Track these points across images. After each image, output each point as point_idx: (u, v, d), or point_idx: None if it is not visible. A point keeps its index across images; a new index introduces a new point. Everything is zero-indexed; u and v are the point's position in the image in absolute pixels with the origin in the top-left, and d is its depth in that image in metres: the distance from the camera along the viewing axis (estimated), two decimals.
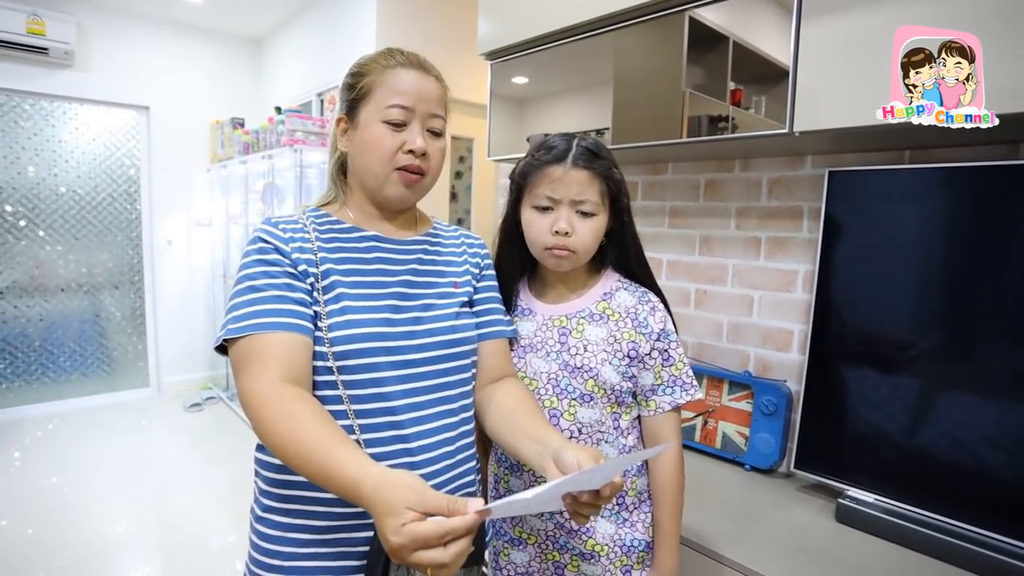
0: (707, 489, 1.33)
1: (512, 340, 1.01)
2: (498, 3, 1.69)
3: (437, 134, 0.90)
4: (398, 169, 0.86)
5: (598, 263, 1.03)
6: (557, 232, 0.93)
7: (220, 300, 4.12)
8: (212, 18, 4.01)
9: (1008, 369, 1.04)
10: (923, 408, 1.14)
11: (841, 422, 1.25)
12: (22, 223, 3.71)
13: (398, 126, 0.85)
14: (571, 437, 0.95)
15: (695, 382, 0.99)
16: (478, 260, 1.00)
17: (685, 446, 1.53)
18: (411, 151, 0.86)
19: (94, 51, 3.76)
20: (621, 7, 1.35)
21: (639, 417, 1.01)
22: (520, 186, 0.99)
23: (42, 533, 2.41)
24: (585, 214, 0.94)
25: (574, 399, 0.96)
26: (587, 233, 0.94)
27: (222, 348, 0.80)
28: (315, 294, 0.81)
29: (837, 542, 1.11)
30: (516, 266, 1.05)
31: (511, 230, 1.03)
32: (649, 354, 0.96)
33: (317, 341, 0.79)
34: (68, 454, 3.20)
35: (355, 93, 0.87)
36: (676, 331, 1.00)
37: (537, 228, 0.96)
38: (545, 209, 0.95)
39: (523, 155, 1.01)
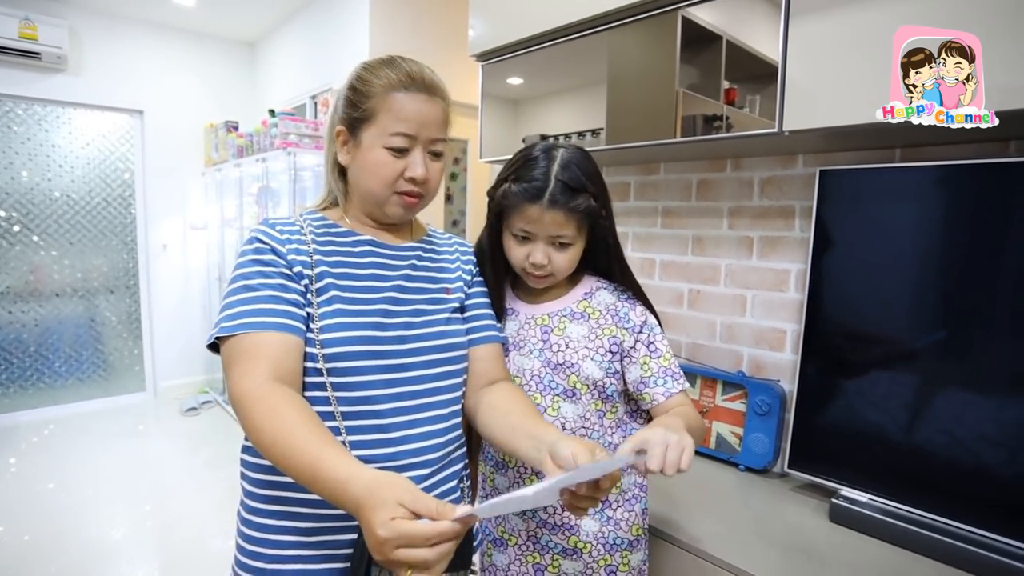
0: (701, 490, 1.33)
1: (505, 345, 1.01)
2: (489, 4, 1.69)
3: (437, 155, 0.90)
4: (398, 193, 0.88)
5: (579, 268, 1.03)
6: (533, 264, 0.95)
7: (216, 303, 4.10)
8: (205, 21, 4.00)
9: (1002, 366, 1.04)
10: (917, 407, 1.14)
11: (835, 421, 1.25)
12: (16, 228, 3.70)
13: (401, 152, 0.85)
14: None
15: (682, 372, 1.00)
16: (470, 267, 1.01)
17: None
18: (412, 179, 0.86)
19: (87, 55, 3.75)
20: (613, 7, 1.34)
21: (628, 414, 1.02)
22: (499, 211, 0.99)
23: (39, 539, 2.40)
24: (563, 244, 0.95)
25: (557, 395, 0.97)
26: (563, 261, 0.95)
27: (215, 347, 0.81)
28: (309, 296, 0.82)
29: (831, 542, 1.11)
30: (500, 275, 1.04)
31: (494, 243, 1.02)
32: (634, 347, 0.97)
33: (308, 343, 0.80)
34: (64, 459, 3.19)
35: (358, 113, 0.86)
36: (661, 325, 1.00)
37: (515, 255, 0.97)
38: (523, 239, 0.96)
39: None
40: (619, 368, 0.97)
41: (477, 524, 0.93)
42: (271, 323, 0.77)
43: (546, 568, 0.99)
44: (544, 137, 1.60)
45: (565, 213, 0.91)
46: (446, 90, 0.90)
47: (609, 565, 0.98)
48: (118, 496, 2.80)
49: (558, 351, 0.97)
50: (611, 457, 0.69)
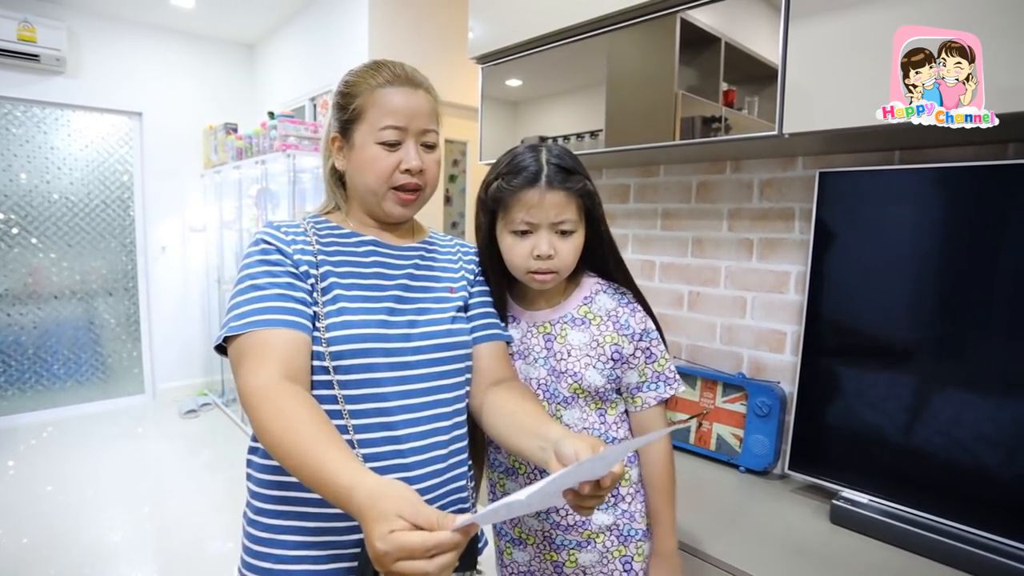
0: (702, 491, 1.33)
1: (510, 344, 1.01)
2: (488, 7, 1.69)
3: (431, 147, 0.91)
4: (395, 188, 0.89)
5: (577, 268, 1.02)
6: (539, 256, 0.92)
7: (215, 305, 4.11)
8: (204, 23, 4.00)
9: (1001, 367, 1.05)
10: (916, 408, 1.14)
11: (835, 423, 1.25)
12: (15, 230, 3.69)
13: (393, 146, 0.87)
14: None
15: (677, 376, 1.00)
16: (472, 267, 1.01)
17: (680, 448, 1.55)
18: (407, 170, 0.88)
19: (86, 57, 3.75)
20: (612, 9, 1.35)
21: (627, 411, 1.02)
22: (493, 210, 0.96)
23: (37, 541, 2.40)
24: (565, 232, 0.93)
25: (559, 403, 0.97)
26: (569, 252, 0.94)
27: (222, 349, 0.81)
28: (314, 295, 0.83)
29: (831, 544, 1.11)
30: (500, 281, 1.02)
31: (490, 250, 1.00)
32: (633, 354, 0.97)
33: (315, 341, 0.81)
34: (63, 462, 3.18)
35: (347, 115, 0.89)
36: (659, 328, 1.00)
37: (518, 253, 0.94)
38: (524, 233, 0.93)
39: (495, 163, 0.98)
40: (620, 375, 0.98)
41: (488, 526, 0.92)
42: (279, 320, 0.78)
43: (564, 564, 1.00)
44: (543, 139, 1.60)
45: (565, 193, 0.91)
46: (431, 85, 0.93)
47: (624, 556, 0.98)
48: (117, 498, 2.79)
49: (561, 359, 0.97)
50: (608, 448, 0.69)
